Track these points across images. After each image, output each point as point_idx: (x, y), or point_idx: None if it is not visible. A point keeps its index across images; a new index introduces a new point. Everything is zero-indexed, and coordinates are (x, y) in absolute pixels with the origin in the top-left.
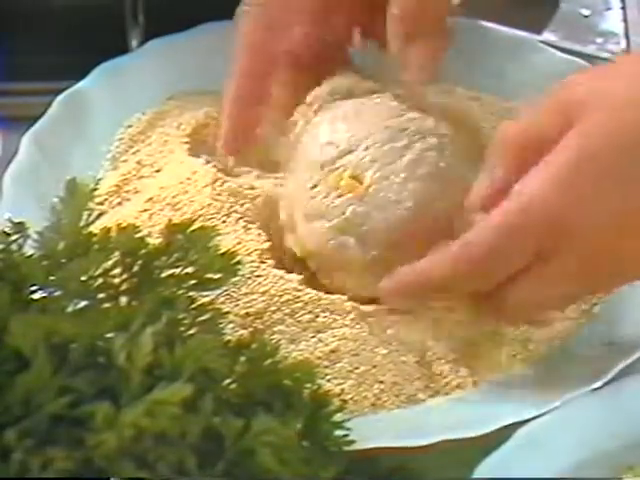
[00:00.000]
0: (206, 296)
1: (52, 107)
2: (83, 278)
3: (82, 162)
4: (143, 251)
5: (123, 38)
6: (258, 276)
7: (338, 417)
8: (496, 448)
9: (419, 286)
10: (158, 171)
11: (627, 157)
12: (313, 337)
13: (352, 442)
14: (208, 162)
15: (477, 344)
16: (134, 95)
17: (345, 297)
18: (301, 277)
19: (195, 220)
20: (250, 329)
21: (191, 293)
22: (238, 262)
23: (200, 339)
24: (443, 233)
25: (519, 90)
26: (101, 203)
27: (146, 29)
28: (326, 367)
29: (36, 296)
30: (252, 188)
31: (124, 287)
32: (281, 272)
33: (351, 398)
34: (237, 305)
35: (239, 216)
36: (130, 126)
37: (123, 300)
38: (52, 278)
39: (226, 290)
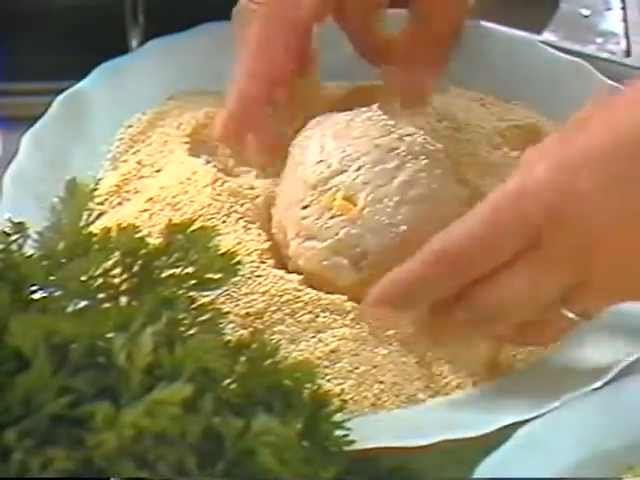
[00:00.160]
0: (206, 296)
1: (52, 107)
2: (83, 278)
3: (82, 162)
4: (143, 251)
5: (123, 38)
6: (258, 276)
7: (338, 417)
8: (496, 448)
9: (406, 283)
10: (158, 171)
11: (630, 157)
12: (313, 337)
13: (352, 442)
14: (208, 162)
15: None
16: (134, 95)
17: (345, 297)
18: (301, 277)
19: (195, 220)
20: (250, 329)
21: (191, 293)
22: (238, 262)
23: (200, 339)
24: None
25: (519, 90)
26: (101, 203)
27: (146, 29)
28: (326, 367)
29: (36, 296)
30: (252, 188)
31: (124, 287)
32: (281, 272)
33: (351, 398)
34: (237, 305)
35: (239, 216)
36: (130, 126)
37: (123, 300)
38: (52, 278)
39: (226, 290)
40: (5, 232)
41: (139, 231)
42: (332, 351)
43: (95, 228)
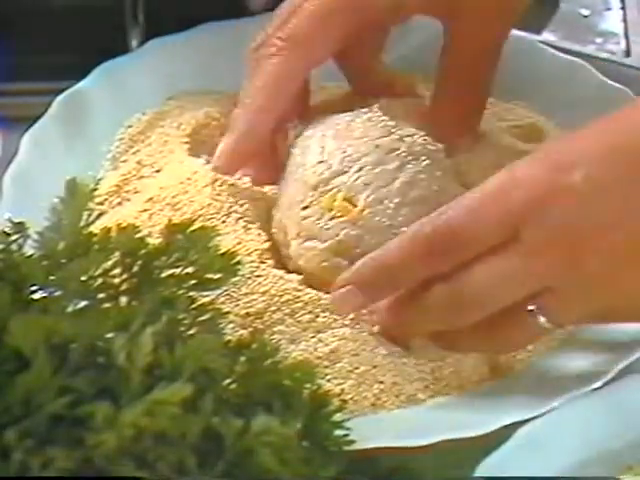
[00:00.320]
0: (206, 296)
1: (52, 107)
2: (83, 278)
3: (82, 162)
4: (143, 251)
5: (123, 38)
6: (258, 276)
7: (338, 417)
8: (496, 448)
9: (377, 270)
10: (158, 171)
11: (631, 172)
12: (313, 337)
13: (352, 442)
14: (208, 162)
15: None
16: (134, 95)
17: None
18: (301, 277)
19: (195, 220)
20: (250, 329)
21: (191, 293)
22: (238, 262)
23: (200, 339)
24: None
25: (519, 90)
26: (101, 203)
27: (146, 29)
28: (326, 367)
29: (36, 296)
30: (252, 188)
31: (124, 287)
32: (281, 272)
33: (351, 398)
34: (237, 305)
35: (239, 216)
36: (130, 126)
37: (123, 300)
38: (52, 278)
39: (226, 290)
40: (5, 232)
41: (139, 231)
42: (332, 351)
43: (95, 228)
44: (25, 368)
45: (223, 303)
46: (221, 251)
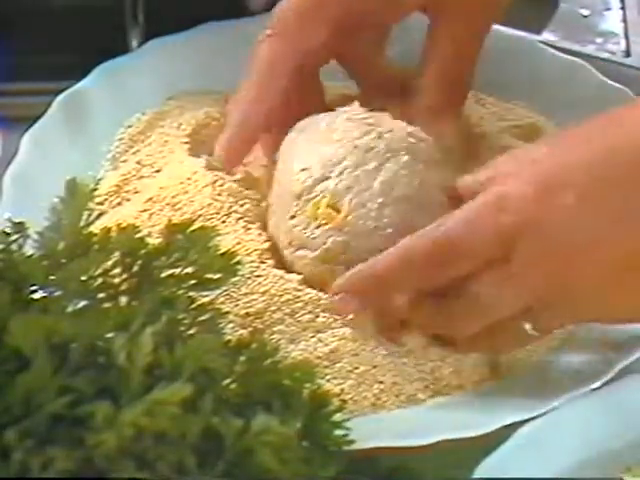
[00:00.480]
0: (206, 296)
1: (52, 107)
2: (83, 278)
3: (82, 162)
4: (143, 251)
5: (123, 38)
6: (258, 276)
7: (338, 417)
8: (496, 448)
9: (368, 279)
10: (158, 171)
11: (620, 187)
12: (313, 337)
13: (352, 442)
14: (208, 163)
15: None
16: (134, 95)
17: None
18: (301, 277)
19: (195, 220)
20: (250, 329)
21: (191, 293)
22: (238, 262)
23: (200, 339)
24: None
25: (519, 90)
26: (101, 203)
27: (146, 29)
28: (326, 367)
29: (36, 296)
30: (252, 188)
31: (124, 287)
32: (281, 272)
33: (351, 398)
34: (237, 305)
35: (239, 216)
36: (130, 126)
37: (123, 300)
38: (52, 278)
39: (226, 290)
40: (5, 232)
41: (139, 231)
42: (332, 351)
43: (95, 228)
44: (25, 368)
45: (223, 303)
46: (221, 251)
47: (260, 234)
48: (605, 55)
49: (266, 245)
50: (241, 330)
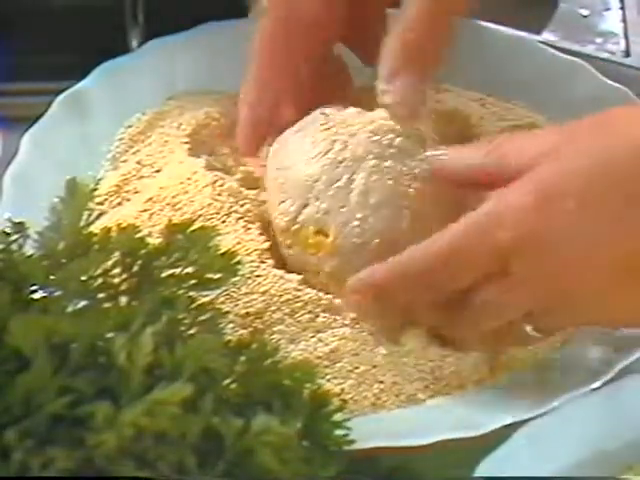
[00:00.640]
0: (206, 296)
1: (52, 107)
2: (83, 278)
3: (82, 162)
4: (143, 251)
5: (123, 38)
6: (258, 276)
7: (338, 417)
8: (496, 448)
9: (377, 286)
10: (158, 171)
11: (619, 190)
12: (313, 337)
13: (352, 442)
14: (208, 162)
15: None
16: (134, 95)
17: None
18: (301, 277)
19: (195, 220)
20: (250, 329)
21: (191, 293)
22: (238, 262)
23: (200, 339)
24: None
25: (519, 90)
26: (101, 203)
27: (146, 29)
28: (326, 367)
29: (36, 296)
30: (252, 188)
31: (124, 287)
32: (281, 272)
33: (351, 398)
34: (237, 305)
35: (239, 216)
36: (130, 126)
37: (123, 300)
38: (52, 278)
39: (226, 290)
40: (5, 232)
41: (139, 231)
42: (332, 351)
43: (95, 228)
44: (25, 368)
45: (223, 303)
46: (221, 251)
47: (260, 234)
48: (605, 55)
49: (266, 245)
50: (241, 330)
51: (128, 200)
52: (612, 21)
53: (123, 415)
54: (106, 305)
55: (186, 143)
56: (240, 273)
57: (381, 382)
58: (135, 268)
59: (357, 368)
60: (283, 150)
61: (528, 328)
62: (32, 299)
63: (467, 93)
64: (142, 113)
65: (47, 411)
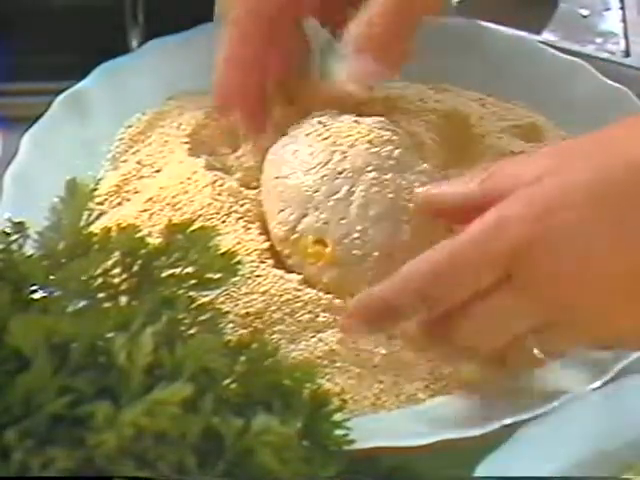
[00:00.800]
0: (206, 296)
1: (52, 107)
2: (83, 278)
3: (82, 162)
4: (143, 251)
5: (123, 38)
6: (258, 276)
7: (338, 417)
8: (496, 448)
9: (378, 302)
10: (158, 171)
11: (619, 204)
12: (313, 337)
13: (352, 442)
14: (208, 162)
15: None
16: (134, 95)
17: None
18: (301, 277)
19: (195, 220)
20: (250, 329)
21: (191, 293)
22: (238, 262)
23: (200, 339)
24: None
25: (519, 90)
26: (101, 203)
27: (146, 29)
28: (326, 367)
29: (36, 296)
30: (252, 188)
31: (124, 287)
32: (281, 272)
33: (351, 398)
34: (237, 305)
35: (239, 216)
36: (130, 126)
37: (123, 300)
38: (52, 278)
39: (226, 290)
40: (5, 232)
41: (139, 231)
42: (332, 351)
43: (95, 228)
44: (25, 368)
45: (223, 303)
46: (221, 251)
47: (260, 234)
48: (605, 55)
49: (266, 245)
50: (241, 330)
51: (128, 200)
52: (612, 21)
53: (123, 415)
54: (106, 305)
55: (186, 143)
56: (240, 273)
57: (381, 382)
58: (135, 268)
59: (357, 368)
60: (281, 158)
61: (536, 351)
62: (32, 299)
63: (467, 93)
64: (142, 113)
65: (47, 411)
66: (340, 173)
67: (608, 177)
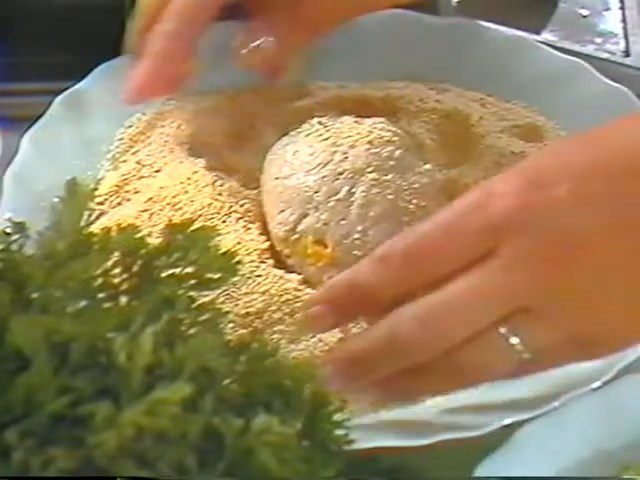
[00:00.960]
0: (206, 296)
1: (52, 107)
2: (83, 278)
3: (82, 162)
4: (143, 251)
5: (123, 38)
6: (258, 276)
7: (338, 417)
8: (496, 448)
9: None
10: (158, 171)
11: (612, 184)
12: (313, 337)
13: (352, 442)
14: (208, 162)
15: None
16: None
17: None
18: (301, 277)
19: (195, 220)
20: (250, 329)
21: (191, 293)
22: (238, 262)
23: (200, 339)
24: None
25: (519, 90)
26: (101, 203)
27: None
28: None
29: (36, 296)
30: (252, 188)
31: (124, 287)
32: (281, 272)
33: (351, 398)
34: (237, 305)
35: (239, 216)
36: (130, 126)
37: (123, 300)
38: (52, 278)
39: (226, 290)
40: (5, 232)
41: (139, 231)
42: (332, 350)
43: (95, 228)
44: (25, 368)
45: (223, 303)
46: (221, 251)
47: (260, 234)
48: (604, 55)
49: (266, 245)
50: (241, 330)
51: (128, 200)
52: (612, 21)
53: (123, 415)
54: (106, 305)
55: (186, 143)
56: (240, 273)
57: None
58: (135, 268)
59: None
60: (281, 159)
61: (515, 342)
62: (32, 299)
63: (467, 93)
64: (142, 113)
65: (47, 411)
66: (340, 174)
67: (600, 159)
